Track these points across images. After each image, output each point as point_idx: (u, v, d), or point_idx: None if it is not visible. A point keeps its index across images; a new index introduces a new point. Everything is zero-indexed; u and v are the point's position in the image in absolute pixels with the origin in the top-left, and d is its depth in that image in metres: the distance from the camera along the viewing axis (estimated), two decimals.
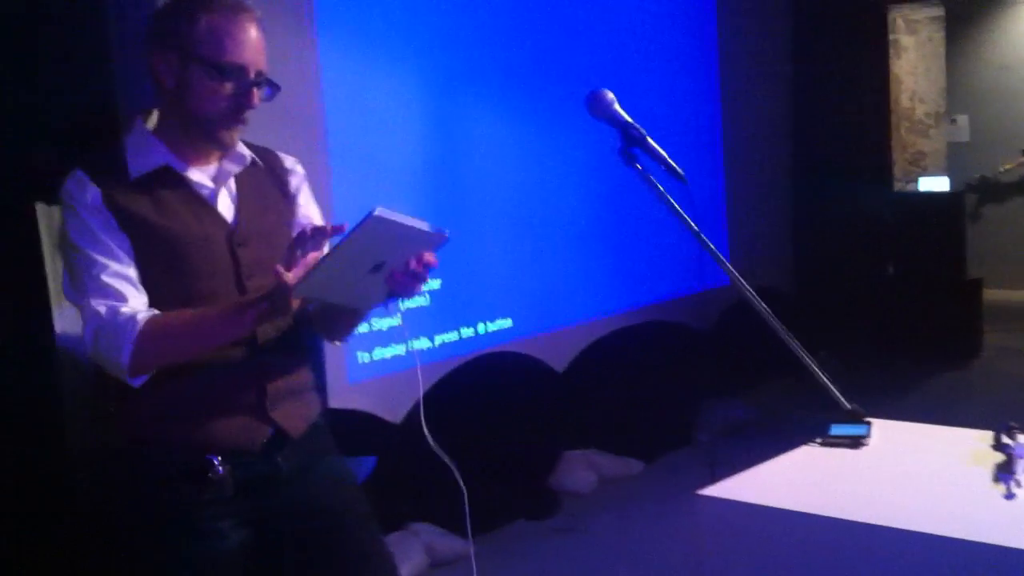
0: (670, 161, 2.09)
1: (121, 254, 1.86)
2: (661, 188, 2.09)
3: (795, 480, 1.88)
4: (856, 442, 2.00)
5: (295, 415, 2.02)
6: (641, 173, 2.10)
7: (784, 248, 7.44)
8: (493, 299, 4.92)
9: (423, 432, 2.12)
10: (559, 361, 5.28)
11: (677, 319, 6.09)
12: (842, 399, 2.10)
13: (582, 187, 5.41)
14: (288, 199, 2.09)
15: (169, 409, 1.89)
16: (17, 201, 2.81)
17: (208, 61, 1.87)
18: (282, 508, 1.99)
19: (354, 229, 1.68)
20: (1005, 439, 1.85)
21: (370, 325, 4.16)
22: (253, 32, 1.91)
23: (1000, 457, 1.81)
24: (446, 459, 2.09)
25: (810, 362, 2.07)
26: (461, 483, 2.08)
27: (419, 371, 2.11)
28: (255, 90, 1.91)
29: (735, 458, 1.99)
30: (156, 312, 1.85)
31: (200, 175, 1.96)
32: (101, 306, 1.82)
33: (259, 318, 1.80)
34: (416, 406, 2.06)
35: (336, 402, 3.96)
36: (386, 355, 4.29)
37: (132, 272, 1.87)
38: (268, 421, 1.97)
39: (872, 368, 6.71)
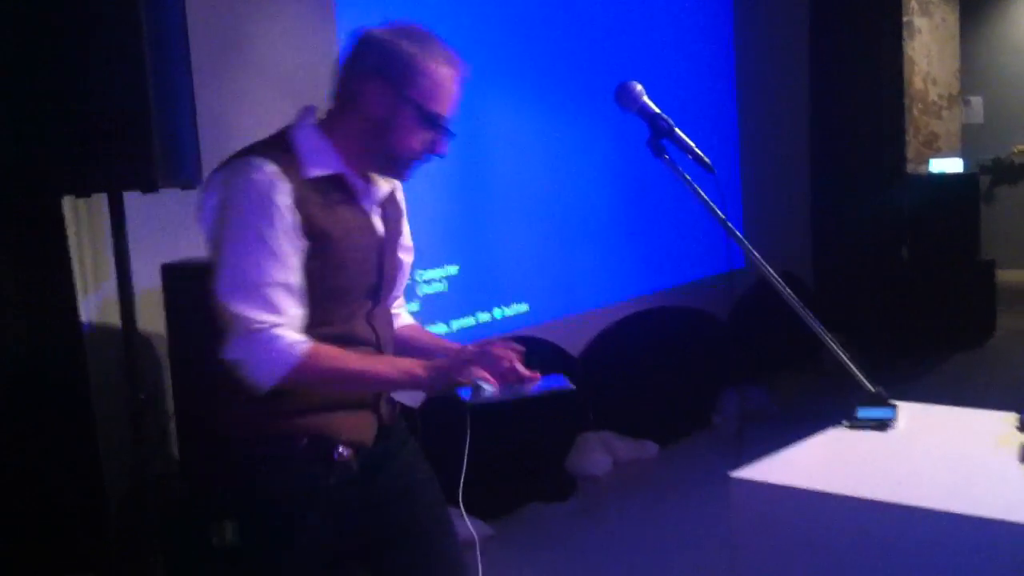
0: (698, 151, 2.11)
1: (293, 260, 1.85)
2: (688, 178, 2.10)
3: (827, 462, 1.90)
4: (883, 425, 2.02)
5: (390, 407, 2.10)
6: (670, 163, 2.12)
7: (801, 232, 7.44)
8: (510, 284, 4.94)
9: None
10: (575, 346, 5.30)
11: (692, 304, 6.10)
12: (866, 382, 2.12)
13: (599, 174, 5.42)
14: (402, 221, 2.18)
15: (305, 407, 1.93)
16: (44, 194, 2.83)
17: (422, 108, 1.94)
18: (381, 491, 2.06)
19: (548, 390, 1.93)
20: None
21: None
22: (459, 87, 2.00)
23: None
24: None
25: (833, 345, 2.09)
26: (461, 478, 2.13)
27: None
28: (447, 138, 2.00)
29: (756, 443, 2.01)
30: (312, 345, 1.85)
31: (364, 190, 2.01)
32: (256, 324, 1.81)
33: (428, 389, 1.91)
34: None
35: None
36: None
37: (296, 280, 1.86)
38: (377, 415, 2.05)
39: (888, 350, 6.71)
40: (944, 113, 10.01)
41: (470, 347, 1.96)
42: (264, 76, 3.81)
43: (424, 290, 4.43)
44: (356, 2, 4.10)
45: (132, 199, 2.76)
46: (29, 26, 2.46)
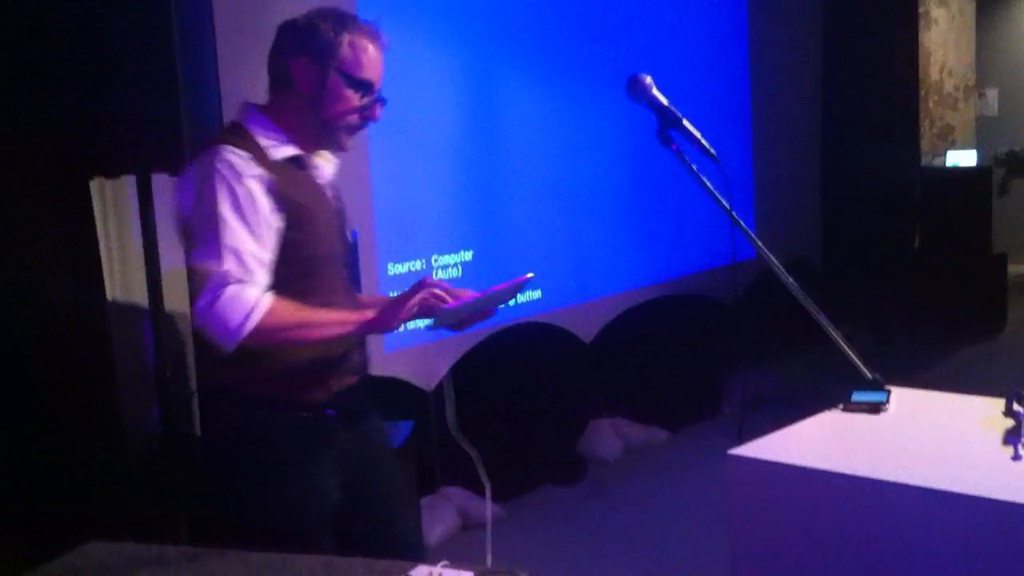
0: (704, 143, 2.20)
1: (269, 236, 2.00)
2: (695, 168, 2.19)
3: (819, 442, 1.99)
4: (876, 408, 2.10)
5: (361, 359, 2.26)
6: (677, 153, 2.21)
7: (813, 221, 7.48)
8: (523, 271, 4.97)
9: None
10: (587, 332, 5.38)
11: (703, 292, 6.17)
12: (864, 368, 2.20)
13: (611, 163, 5.49)
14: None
15: (299, 371, 2.08)
16: (74, 175, 2.92)
17: (347, 74, 2.10)
18: (355, 452, 2.19)
19: (510, 288, 2.08)
20: (1016, 406, 1.94)
21: None
22: (381, 55, 2.16)
23: (1010, 422, 1.91)
24: (468, 449, 2.25)
25: (834, 333, 2.17)
26: (482, 474, 2.26)
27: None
28: (379, 104, 2.16)
29: (762, 427, 2.09)
30: (273, 298, 1.98)
31: (316, 169, 2.19)
32: (231, 279, 1.94)
33: (402, 321, 2.03)
34: (448, 374, 2.24)
35: (375, 370, 4.09)
36: (419, 325, 4.41)
37: (268, 256, 2.01)
38: (353, 372, 2.20)
39: (900, 341, 6.78)
40: (960, 105, 10.01)
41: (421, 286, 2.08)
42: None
43: (439, 275, 4.52)
44: None
45: (159, 180, 2.85)
46: (61, 9, 2.55)
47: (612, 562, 4.00)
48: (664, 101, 2.27)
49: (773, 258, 2.21)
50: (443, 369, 4.41)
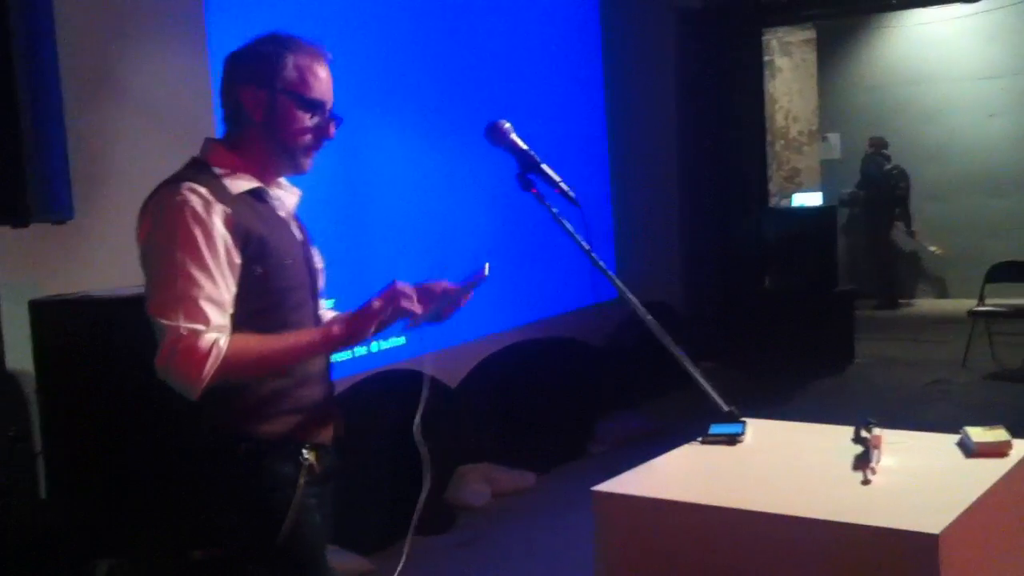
0: (564, 186, 2.24)
1: (224, 278, 1.96)
2: (555, 211, 2.22)
3: (678, 474, 2.03)
4: (732, 439, 2.15)
5: (340, 420, 2.27)
6: (537, 197, 2.24)
7: (671, 263, 7.68)
8: None
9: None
10: (453, 377, 5.37)
11: (571, 334, 6.24)
12: (721, 402, 2.25)
13: (477, 205, 5.53)
14: (312, 247, 2.29)
15: (272, 410, 2.05)
16: None
17: (296, 95, 2.08)
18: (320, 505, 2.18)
19: (472, 280, 2.14)
20: (863, 433, 2.02)
21: None
22: (328, 73, 2.15)
23: (859, 449, 1.99)
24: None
25: (691, 368, 2.22)
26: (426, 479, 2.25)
27: None
28: (332, 122, 2.15)
29: (631, 465, 2.12)
30: (232, 336, 1.94)
31: (279, 201, 2.16)
32: (186, 330, 1.90)
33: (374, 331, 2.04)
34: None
35: None
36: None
37: (228, 296, 1.97)
38: (332, 420, 2.22)
39: (755, 376, 6.99)
40: (805, 149, 10.51)
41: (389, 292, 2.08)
42: (137, 109, 3.81)
43: None
44: (228, 35, 4.12)
45: (2, 234, 2.74)
46: None
47: None
48: (523, 146, 2.30)
49: (632, 296, 2.25)
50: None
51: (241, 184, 2.06)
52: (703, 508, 1.79)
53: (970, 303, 7.80)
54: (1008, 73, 10.51)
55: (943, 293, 10.75)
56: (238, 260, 1.99)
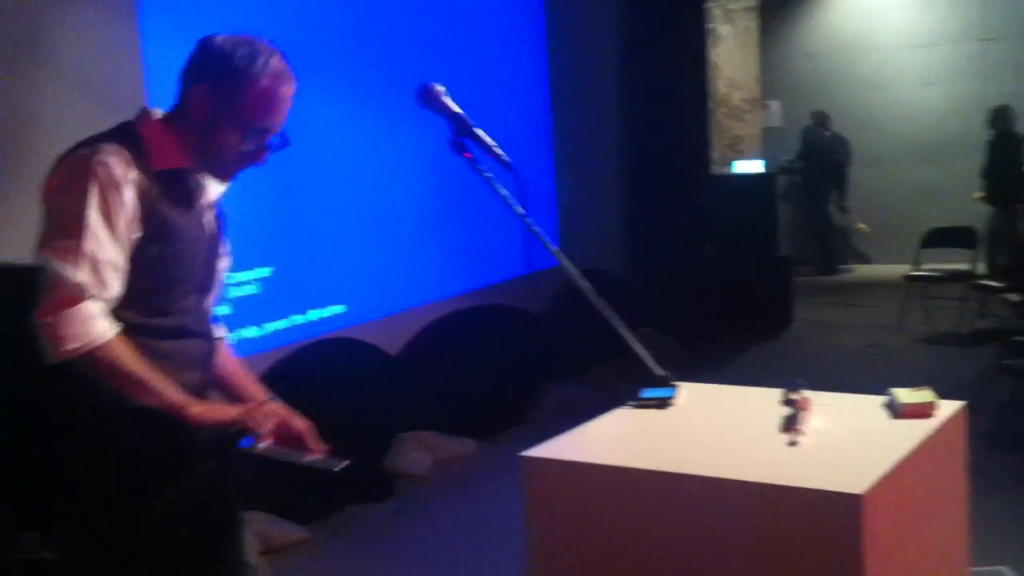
0: (498, 151, 2.20)
1: (125, 244, 1.92)
2: (490, 176, 2.19)
3: (609, 438, 2.02)
4: (664, 403, 2.15)
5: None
6: (470, 162, 2.21)
7: (613, 231, 7.69)
8: (325, 286, 4.94)
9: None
10: (393, 345, 5.34)
11: (509, 302, 6.24)
12: (655, 366, 2.25)
13: (414, 174, 5.48)
14: (223, 226, 2.24)
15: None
16: None
17: (240, 120, 2.02)
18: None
19: (325, 464, 2.08)
20: (792, 395, 2.03)
21: None
22: (288, 99, 2.08)
23: (787, 411, 2.00)
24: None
25: (625, 333, 2.21)
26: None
27: None
28: (266, 150, 2.09)
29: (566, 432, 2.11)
30: (120, 335, 1.88)
31: (199, 188, 2.09)
32: (85, 293, 1.85)
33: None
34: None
35: None
36: None
37: (123, 264, 1.92)
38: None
39: (697, 342, 7.05)
40: (747, 117, 10.56)
41: (264, 405, 2.03)
42: (61, 71, 3.71)
43: (235, 293, 4.39)
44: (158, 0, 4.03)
45: None
46: None
47: None
48: (457, 109, 2.26)
49: (567, 261, 2.23)
50: None
51: (165, 161, 2.01)
52: (630, 472, 1.79)
53: (906, 268, 7.93)
54: (945, 41, 10.64)
55: (880, 259, 10.92)
56: (137, 234, 1.94)
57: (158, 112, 2.09)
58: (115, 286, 1.91)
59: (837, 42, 11.17)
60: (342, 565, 4.09)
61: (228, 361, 2.27)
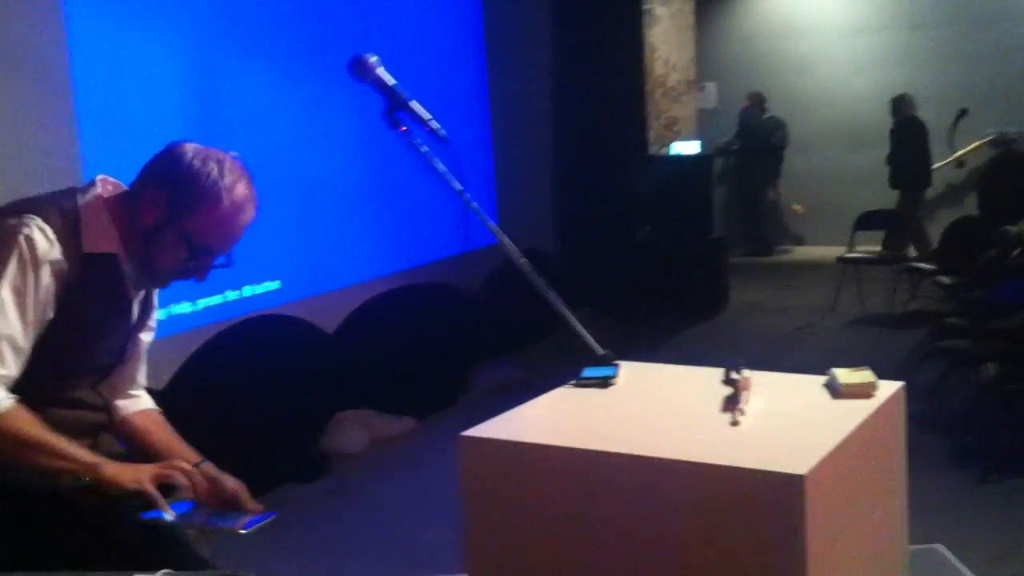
0: (434, 124, 2.15)
1: (33, 325, 1.86)
2: (424, 149, 2.14)
3: (548, 418, 2.00)
4: (605, 382, 2.13)
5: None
6: (405, 135, 2.15)
7: (547, 211, 7.68)
8: (260, 261, 4.85)
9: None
10: (329, 323, 5.28)
11: (445, 280, 6.20)
12: (596, 345, 2.22)
13: (349, 150, 5.40)
14: (155, 304, 2.18)
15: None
16: None
17: (188, 240, 1.95)
18: None
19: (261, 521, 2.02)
20: (733, 375, 2.02)
21: None
22: (245, 224, 2.00)
23: (728, 390, 1.99)
24: None
25: (565, 312, 2.18)
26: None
27: None
28: (205, 271, 2.02)
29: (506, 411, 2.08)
30: (18, 405, 1.84)
31: (132, 275, 2.02)
32: None
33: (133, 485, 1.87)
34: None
35: None
36: None
37: (26, 345, 1.87)
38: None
39: (632, 322, 7.07)
40: (683, 98, 10.58)
41: (181, 466, 1.95)
42: None
43: None
44: None
45: None
46: None
47: (354, 560, 3.91)
48: (390, 81, 2.20)
49: (505, 237, 2.19)
50: (172, 367, 4.17)
51: (97, 243, 1.93)
52: (568, 451, 1.76)
53: (839, 250, 8.04)
54: (873, 29, 10.77)
55: (814, 240, 11.06)
56: (49, 315, 1.88)
57: (108, 186, 2.01)
58: (13, 367, 1.85)
59: (772, 26, 11.25)
60: (273, 544, 4.02)
61: (154, 425, 2.18)
